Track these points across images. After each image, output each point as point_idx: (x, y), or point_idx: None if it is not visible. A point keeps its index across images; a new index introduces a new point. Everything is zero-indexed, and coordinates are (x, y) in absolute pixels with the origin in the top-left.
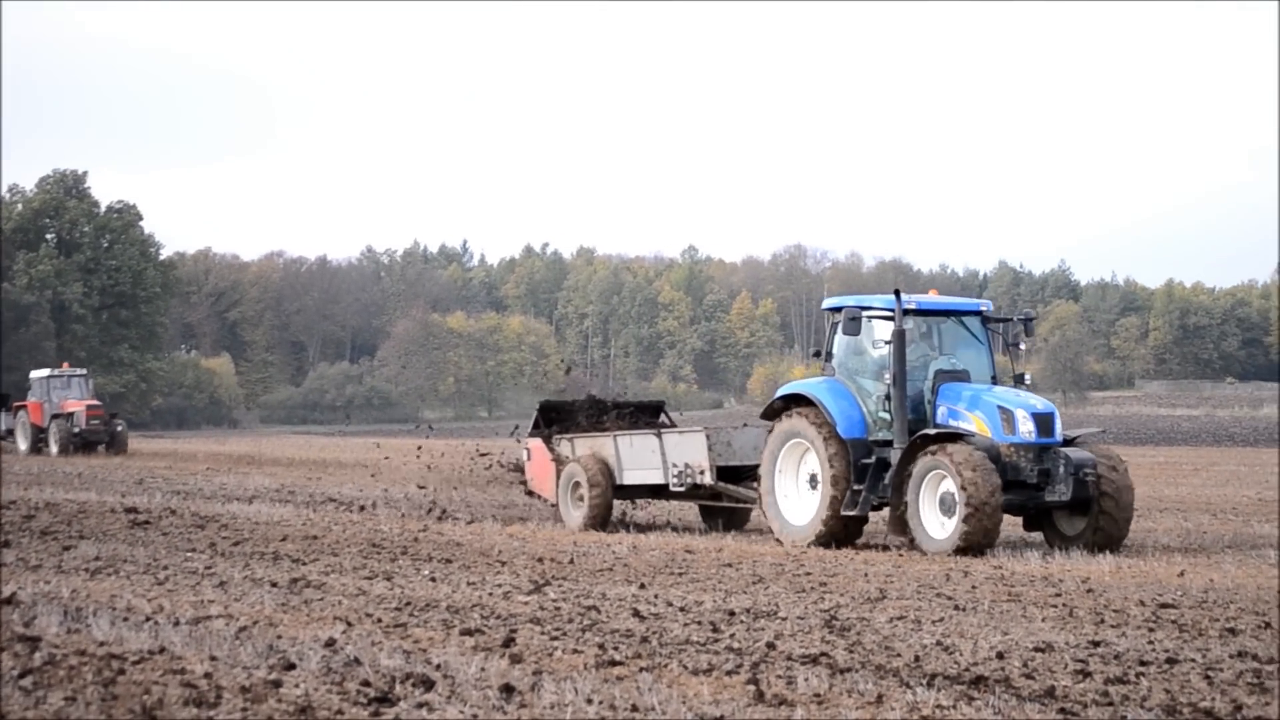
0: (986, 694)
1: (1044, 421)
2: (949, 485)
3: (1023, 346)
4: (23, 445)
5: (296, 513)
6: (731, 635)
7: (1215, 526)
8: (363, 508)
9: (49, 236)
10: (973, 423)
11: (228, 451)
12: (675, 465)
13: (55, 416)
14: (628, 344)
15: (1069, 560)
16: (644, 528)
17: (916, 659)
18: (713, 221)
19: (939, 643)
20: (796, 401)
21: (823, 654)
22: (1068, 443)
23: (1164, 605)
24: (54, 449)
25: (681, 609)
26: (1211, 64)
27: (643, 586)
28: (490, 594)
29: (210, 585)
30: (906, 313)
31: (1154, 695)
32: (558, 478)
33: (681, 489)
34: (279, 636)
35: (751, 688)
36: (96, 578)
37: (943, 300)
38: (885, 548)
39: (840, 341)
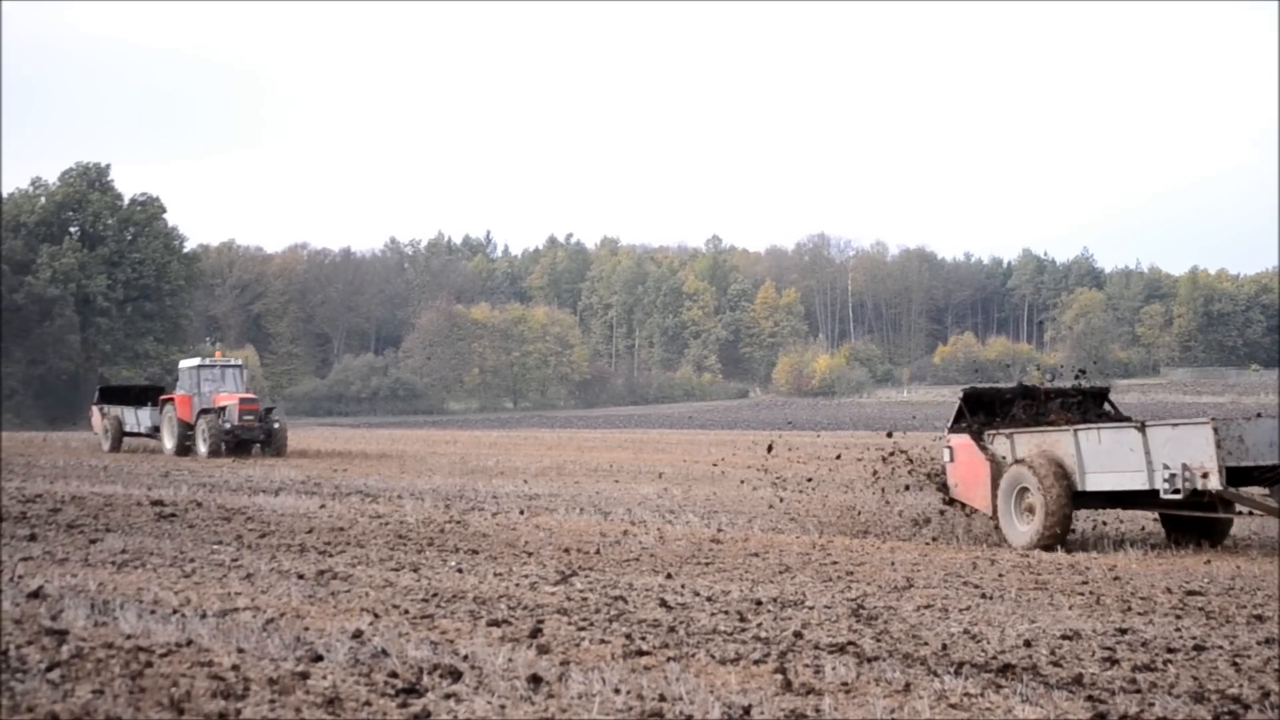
0: (1014, 682)
1: None
2: None
3: None
4: (168, 444)
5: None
6: (759, 624)
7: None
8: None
9: (72, 230)
10: None
11: None
12: (1167, 467)
13: (204, 412)
14: (652, 334)
15: (1095, 548)
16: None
17: (944, 647)
18: (737, 211)
19: (966, 631)
20: None
21: (850, 643)
22: None
23: (1191, 593)
24: (202, 449)
25: (709, 599)
26: (1234, 55)
27: (669, 576)
28: (517, 585)
29: (237, 577)
30: None
31: (1181, 682)
32: (994, 484)
33: (1176, 496)
34: (306, 628)
35: (779, 677)
36: (123, 570)
37: None
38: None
39: None
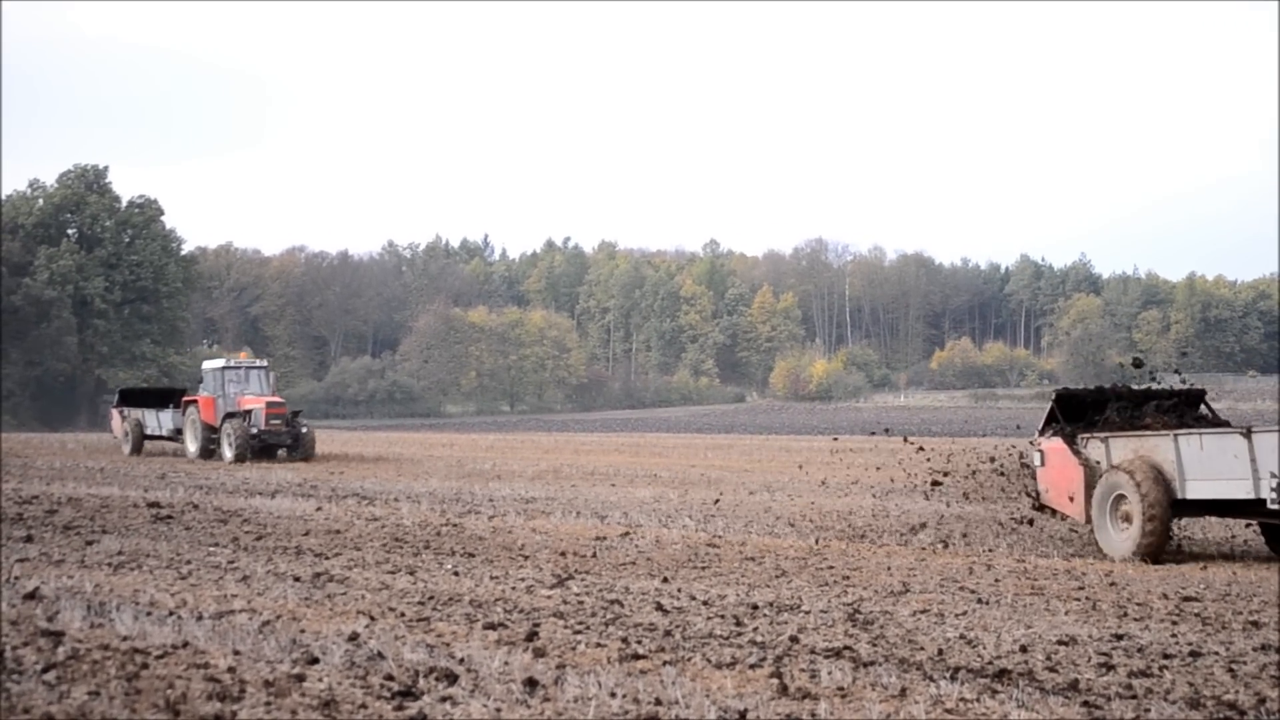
0: (1010, 687)
1: None
2: None
3: None
4: (192, 447)
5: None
6: (755, 629)
7: (1238, 519)
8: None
9: (70, 232)
10: None
11: None
12: (1275, 475)
13: (230, 415)
14: (650, 338)
15: (1091, 554)
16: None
17: (940, 652)
18: (734, 215)
19: (962, 636)
20: None
21: (846, 647)
22: None
23: (1187, 598)
24: (228, 453)
25: (705, 603)
26: (1234, 60)
27: (666, 580)
28: (513, 588)
29: (233, 580)
30: None
31: (1177, 688)
32: (1088, 490)
33: None
34: (302, 631)
35: (775, 681)
36: (119, 572)
37: None
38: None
39: None
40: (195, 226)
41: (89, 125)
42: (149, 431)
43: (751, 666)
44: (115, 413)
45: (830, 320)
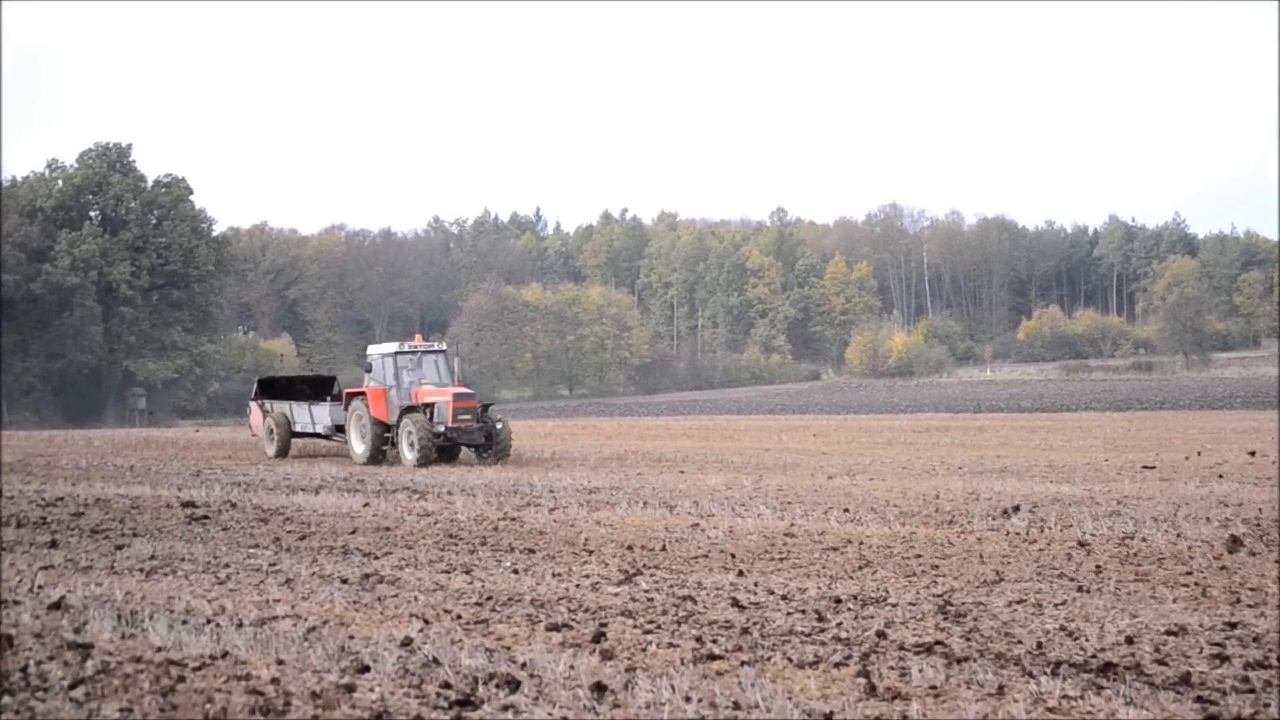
0: (1116, 682)
1: None
2: None
3: None
4: (359, 448)
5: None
6: (838, 624)
7: None
8: None
9: (92, 214)
10: None
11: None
12: None
13: (407, 410)
14: (716, 313)
15: (1199, 534)
16: None
17: (1039, 646)
18: (802, 181)
19: (1062, 628)
20: None
21: (937, 642)
22: None
23: None
24: (409, 456)
25: (784, 597)
26: None
27: (741, 574)
28: (577, 585)
29: (275, 583)
30: None
31: None
32: None
33: None
34: (351, 637)
35: (862, 680)
36: (152, 578)
37: None
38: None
39: None
40: (227, 206)
41: (111, 101)
42: (298, 428)
43: (836, 665)
44: (255, 406)
45: (908, 290)
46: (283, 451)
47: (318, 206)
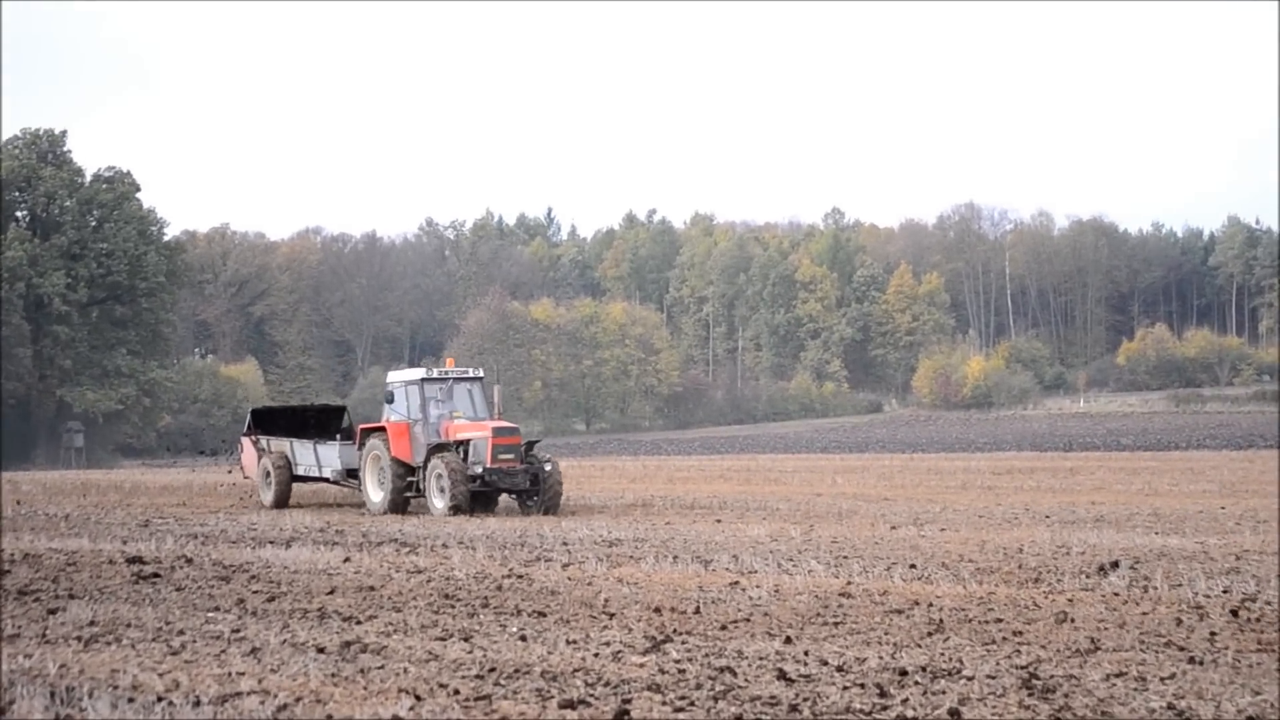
0: None
1: None
2: None
3: None
4: (375, 496)
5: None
6: (903, 701)
7: None
8: None
9: (20, 214)
10: None
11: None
12: None
13: (436, 449)
14: (759, 334)
15: None
16: None
17: None
18: (861, 178)
19: (1171, 706)
20: None
21: None
22: None
23: None
24: (439, 504)
25: (839, 669)
26: None
27: (789, 641)
28: (596, 655)
29: (239, 653)
30: None
31: None
32: None
33: None
34: (329, 716)
35: None
36: (92, 648)
37: None
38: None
39: None
40: (181, 205)
41: (41, 81)
42: (301, 470)
43: None
44: (248, 443)
45: (987, 306)
46: (282, 500)
47: (289, 207)
